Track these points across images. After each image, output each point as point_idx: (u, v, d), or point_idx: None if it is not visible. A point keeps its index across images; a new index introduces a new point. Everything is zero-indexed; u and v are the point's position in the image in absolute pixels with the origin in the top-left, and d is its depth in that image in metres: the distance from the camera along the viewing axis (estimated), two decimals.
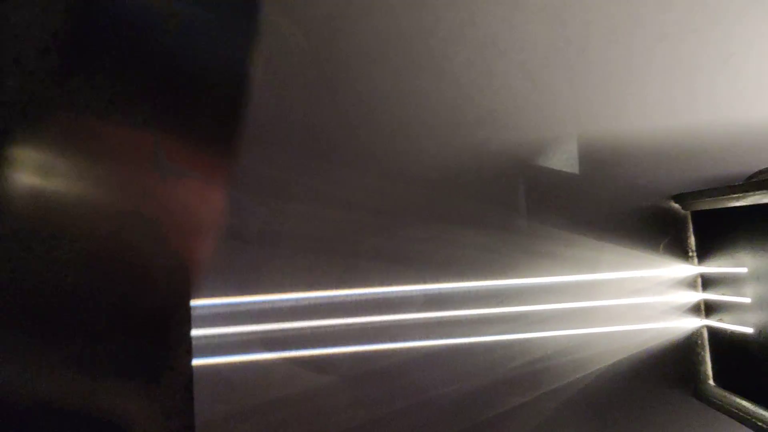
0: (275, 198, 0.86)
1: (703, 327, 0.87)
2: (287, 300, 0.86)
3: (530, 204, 0.88)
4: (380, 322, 0.87)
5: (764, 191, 0.70)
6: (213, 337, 0.86)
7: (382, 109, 0.89)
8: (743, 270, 0.78)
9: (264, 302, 0.86)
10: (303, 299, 0.86)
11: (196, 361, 0.85)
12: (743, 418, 0.75)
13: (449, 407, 0.87)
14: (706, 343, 0.87)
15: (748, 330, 0.77)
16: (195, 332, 0.86)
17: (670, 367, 0.87)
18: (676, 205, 0.88)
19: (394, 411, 0.86)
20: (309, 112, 0.89)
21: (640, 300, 0.87)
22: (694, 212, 0.88)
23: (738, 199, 0.75)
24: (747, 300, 0.77)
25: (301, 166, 0.88)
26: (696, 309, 0.88)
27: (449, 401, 0.87)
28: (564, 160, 0.89)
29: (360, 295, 0.87)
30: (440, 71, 0.89)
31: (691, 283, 0.88)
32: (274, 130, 0.87)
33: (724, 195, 0.77)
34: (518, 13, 0.91)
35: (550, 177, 0.89)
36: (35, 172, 0.73)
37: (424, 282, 0.87)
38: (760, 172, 0.84)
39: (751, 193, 0.71)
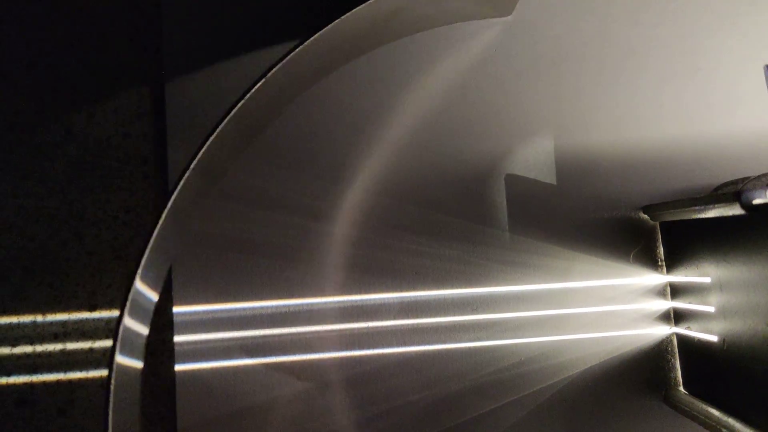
0: (253, 207, 0.89)
1: (672, 334, 0.89)
2: (266, 307, 0.88)
3: (504, 215, 0.91)
4: (357, 329, 0.89)
5: (726, 204, 0.72)
6: (195, 343, 0.88)
7: (357, 122, 0.91)
8: (707, 280, 0.80)
9: (244, 309, 0.88)
10: (282, 306, 0.88)
11: (178, 367, 0.88)
12: (710, 425, 0.77)
13: (422, 413, 0.89)
14: (676, 350, 0.89)
15: (713, 338, 0.79)
16: (177, 338, 0.88)
17: (641, 373, 0.89)
18: (645, 216, 0.91)
19: (370, 416, 0.88)
20: (288, 122, 0.91)
21: (612, 308, 0.90)
22: (663, 223, 0.90)
23: (702, 211, 0.77)
24: (711, 309, 0.79)
25: (277, 176, 0.90)
26: (666, 317, 0.90)
27: (422, 407, 0.89)
28: (537, 170, 0.91)
29: (337, 302, 0.89)
30: (416, 84, 0.92)
31: (660, 292, 0.90)
32: (254, 140, 0.90)
33: (689, 207, 0.79)
34: (491, 29, 0.93)
35: (523, 188, 0.91)
36: None
37: (400, 290, 0.89)
38: (725, 184, 0.86)
39: (713, 206, 0.74)
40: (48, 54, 0.93)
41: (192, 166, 0.68)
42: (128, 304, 0.64)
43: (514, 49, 0.93)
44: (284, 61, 0.72)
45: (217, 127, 0.69)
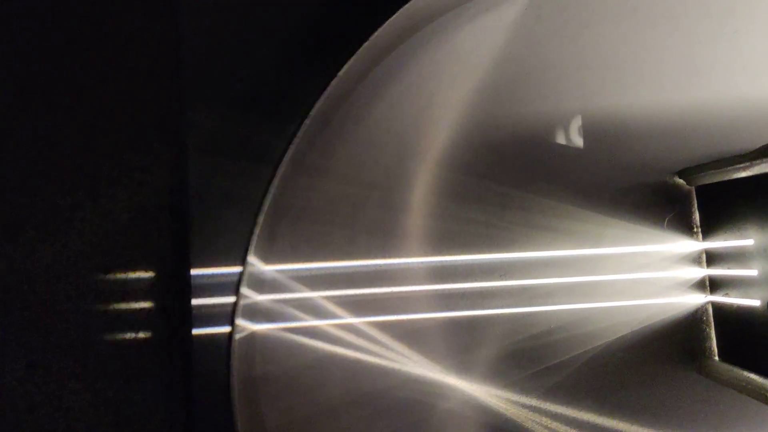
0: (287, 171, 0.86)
1: (707, 303, 0.86)
2: (297, 270, 0.85)
3: (535, 179, 0.88)
4: (382, 294, 0.86)
5: None
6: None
7: (386, 85, 0.89)
8: (749, 242, 0.77)
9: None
10: (312, 269, 0.85)
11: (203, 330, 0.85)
12: (751, 391, 0.74)
13: (447, 381, 0.86)
14: (711, 318, 0.86)
15: (755, 303, 0.76)
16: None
17: (674, 342, 0.86)
18: (681, 181, 0.88)
19: (390, 386, 0.85)
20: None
21: (645, 275, 0.87)
22: (699, 187, 0.87)
23: (743, 169, 0.74)
24: (753, 273, 0.76)
25: (307, 140, 0.87)
26: (700, 285, 0.87)
27: (447, 375, 0.86)
28: (569, 135, 0.88)
29: (361, 266, 0.86)
30: (444, 44, 0.89)
31: (695, 259, 0.87)
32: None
33: (729, 166, 0.76)
34: None
35: (554, 152, 0.88)
36: None
37: (427, 255, 0.86)
38: (764, 147, 0.83)
39: (758, 162, 0.71)
40: (61, 15, 0.90)
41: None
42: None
43: (545, 12, 0.91)
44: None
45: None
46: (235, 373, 0.83)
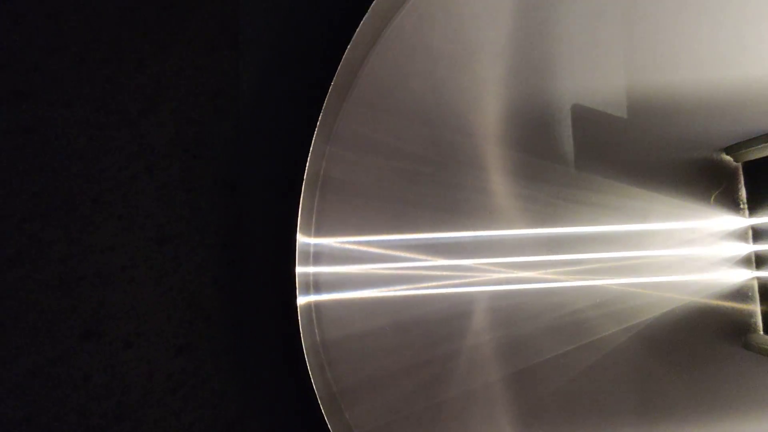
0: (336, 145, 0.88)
1: (753, 279, 0.87)
2: (348, 241, 0.87)
3: (581, 155, 0.89)
4: (425, 266, 0.87)
5: None
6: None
7: (431, 58, 0.90)
8: None
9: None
10: (354, 242, 0.87)
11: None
12: None
13: (493, 354, 0.87)
14: (757, 294, 0.87)
15: None
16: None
17: (720, 318, 0.87)
18: (728, 157, 0.88)
19: (436, 357, 0.87)
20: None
21: (691, 251, 0.87)
22: (746, 163, 0.88)
23: None
24: None
25: (351, 115, 0.89)
26: (746, 261, 0.87)
27: (493, 348, 0.87)
28: (615, 111, 0.89)
29: (409, 240, 0.87)
30: (492, 20, 0.90)
31: (741, 235, 0.88)
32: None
33: None
34: None
35: (601, 128, 0.89)
36: None
37: (473, 229, 0.88)
38: None
39: None
40: None
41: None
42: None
43: None
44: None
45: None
46: (285, 343, 0.85)
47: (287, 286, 0.84)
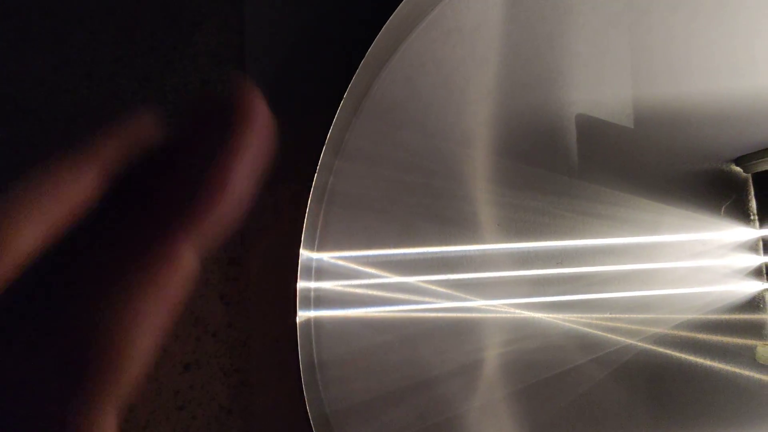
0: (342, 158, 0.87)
1: (764, 291, 0.86)
2: (353, 257, 0.86)
3: (591, 167, 0.88)
4: (436, 281, 0.87)
5: None
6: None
7: (438, 72, 0.90)
8: None
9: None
10: (361, 257, 0.86)
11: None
12: None
13: (504, 368, 0.86)
14: None
15: None
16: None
17: (731, 330, 0.86)
18: (737, 168, 0.88)
19: (445, 372, 0.86)
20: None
21: (702, 263, 0.87)
22: (755, 175, 0.87)
23: None
24: None
25: (358, 128, 0.88)
26: (757, 272, 0.87)
27: (504, 362, 0.86)
28: (624, 122, 0.89)
29: (417, 254, 0.87)
30: (499, 33, 0.90)
31: (752, 247, 0.87)
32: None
33: None
34: None
35: (609, 139, 0.89)
36: None
37: (482, 242, 0.87)
38: None
39: None
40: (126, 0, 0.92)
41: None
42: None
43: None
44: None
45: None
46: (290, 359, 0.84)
47: (289, 301, 0.83)
